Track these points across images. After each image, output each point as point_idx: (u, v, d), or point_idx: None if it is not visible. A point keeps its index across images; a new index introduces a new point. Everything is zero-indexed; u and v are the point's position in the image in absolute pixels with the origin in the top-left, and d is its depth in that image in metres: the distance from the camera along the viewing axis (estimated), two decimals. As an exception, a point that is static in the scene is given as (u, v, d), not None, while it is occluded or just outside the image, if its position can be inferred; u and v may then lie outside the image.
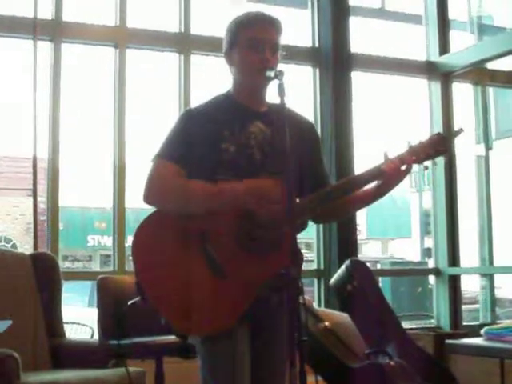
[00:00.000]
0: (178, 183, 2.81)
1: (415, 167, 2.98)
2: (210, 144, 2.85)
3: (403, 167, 2.90)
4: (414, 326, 7.38)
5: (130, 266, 5.66)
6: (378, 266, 13.61)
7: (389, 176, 2.89)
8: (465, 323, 7.03)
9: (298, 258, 2.65)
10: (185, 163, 2.83)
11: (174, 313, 2.72)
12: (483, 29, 8.14)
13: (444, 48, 7.09)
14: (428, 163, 3.01)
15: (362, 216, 16.78)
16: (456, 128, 3.11)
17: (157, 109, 12.40)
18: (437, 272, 7.01)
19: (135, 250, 2.79)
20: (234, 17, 2.99)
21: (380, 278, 7.51)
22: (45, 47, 5.62)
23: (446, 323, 6.81)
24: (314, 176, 3.06)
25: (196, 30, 6.16)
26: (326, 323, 4.75)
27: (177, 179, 2.81)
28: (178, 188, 2.81)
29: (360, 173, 2.97)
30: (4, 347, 3.65)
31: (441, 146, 2.96)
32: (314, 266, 6.38)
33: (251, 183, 2.76)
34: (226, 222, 2.76)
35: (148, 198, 2.84)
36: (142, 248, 2.79)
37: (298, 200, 2.83)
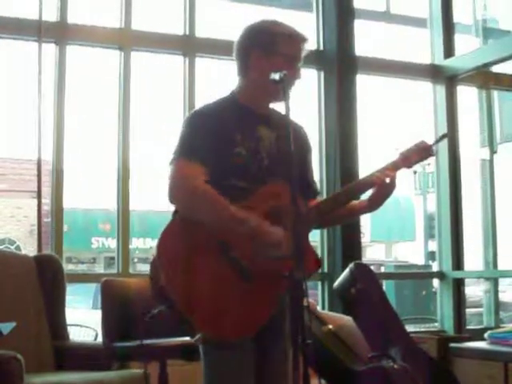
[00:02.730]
0: (205, 193, 2.78)
1: (409, 172, 3.08)
2: (223, 147, 2.85)
3: (395, 174, 2.98)
4: (417, 330, 7.38)
5: (134, 268, 5.67)
6: (382, 269, 13.57)
7: (379, 186, 2.95)
8: (469, 327, 7.02)
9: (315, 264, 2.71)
10: (206, 162, 2.81)
11: (206, 319, 2.70)
12: (488, 32, 8.13)
13: (449, 51, 7.08)
14: (418, 167, 3.13)
15: (366, 219, 16.75)
16: (441, 134, 3.27)
17: (161, 111, 12.43)
18: (441, 275, 7.01)
19: (160, 260, 2.76)
20: (271, 22, 2.98)
21: (384, 282, 7.52)
22: (50, 49, 5.62)
23: (449, 327, 6.81)
24: (307, 184, 3.10)
25: (201, 32, 6.16)
26: (330, 326, 4.75)
27: (204, 186, 2.78)
28: (204, 198, 2.78)
29: (360, 179, 3.06)
30: (8, 349, 3.65)
31: (426, 151, 3.08)
32: (318, 269, 6.37)
33: (262, 225, 2.73)
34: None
35: (173, 199, 2.82)
36: (166, 254, 2.76)
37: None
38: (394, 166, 2.98)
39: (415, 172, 3.23)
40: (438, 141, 3.30)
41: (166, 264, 2.75)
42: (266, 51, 2.92)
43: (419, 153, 3.04)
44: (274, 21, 3.00)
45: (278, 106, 2.93)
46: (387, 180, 2.94)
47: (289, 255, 2.56)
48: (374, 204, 3.01)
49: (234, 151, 2.86)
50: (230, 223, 2.73)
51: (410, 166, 3.04)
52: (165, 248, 2.77)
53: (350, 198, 3.01)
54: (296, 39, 2.95)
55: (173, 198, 2.82)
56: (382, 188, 2.96)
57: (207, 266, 2.73)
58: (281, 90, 2.77)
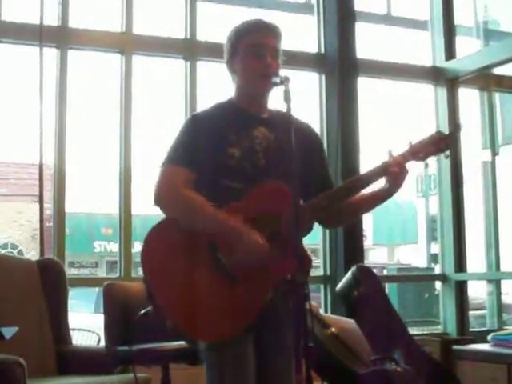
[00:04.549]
0: (187, 196, 2.80)
1: (420, 169, 3.03)
2: (216, 148, 2.86)
3: (405, 164, 2.94)
4: (420, 332, 7.37)
5: (136, 272, 5.66)
6: (385, 272, 13.55)
7: (394, 173, 2.92)
8: (472, 329, 7.01)
9: (305, 263, 2.68)
10: (194, 167, 2.83)
11: (186, 320, 2.70)
12: (489, 34, 8.12)
13: (450, 53, 7.08)
14: (429, 160, 3.05)
15: (368, 222, 16.74)
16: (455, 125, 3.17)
17: (163, 115, 12.41)
18: (443, 278, 7.00)
19: (144, 258, 2.78)
20: (233, 27, 3.03)
21: (386, 284, 7.50)
22: (51, 54, 5.62)
23: (452, 329, 6.79)
24: (321, 179, 3.08)
25: (202, 36, 6.16)
26: (333, 329, 4.75)
27: (186, 191, 2.81)
28: (186, 202, 2.81)
29: (365, 171, 2.99)
30: (10, 353, 3.65)
31: (441, 143, 3.03)
32: (320, 272, 6.37)
33: (244, 231, 2.74)
34: None
35: (157, 203, 2.84)
36: (151, 256, 2.78)
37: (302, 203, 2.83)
38: (403, 158, 2.94)
39: (426, 165, 3.12)
40: (453, 132, 3.22)
41: (150, 265, 2.78)
42: (235, 52, 2.98)
43: (435, 144, 3.00)
44: (241, 22, 3.03)
45: (280, 108, 2.93)
46: (392, 166, 2.91)
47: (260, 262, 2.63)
48: (388, 190, 2.96)
49: (227, 152, 2.87)
50: (209, 224, 2.76)
51: (421, 159, 2.99)
52: (148, 250, 2.79)
53: (352, 192, 2.96)
54: (255, 29, 2.97)
55: (157, 201, 2.85)
56: (396, 175, 2.92)
57: (192, 267, 2.73)
58: (267, 87, 2.87)
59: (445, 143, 3.03)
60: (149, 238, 2.80)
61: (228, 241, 2.74)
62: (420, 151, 2.98)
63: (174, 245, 2.78)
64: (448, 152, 3.06)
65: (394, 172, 2.91)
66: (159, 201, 2.85)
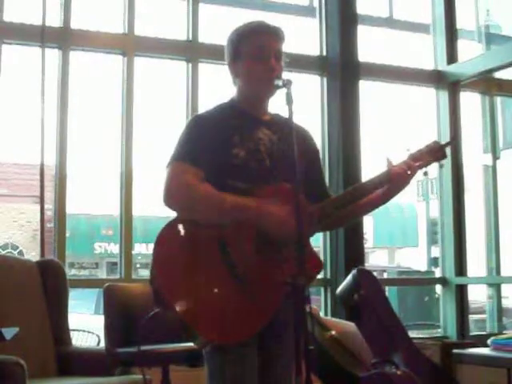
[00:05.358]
0: (201, 189, 2.77)
1: (419, 174, 3.07)
2: (220, 149, 2.85)
3: (408, 172, 2.98)
4: (420, 336, 7.36)
5: (136, 273, 5.67)
6: (385, 275, 13.55)
7: (396, 180, 2.97)
8: (472, 333, 7.01)
9: (314, 264, 2.73)
10: (200, 165, 2.81)
11: (197, 321, 2.67)
12: (491, 38, 8.14)
13: (452, 57, 7.09)
14: (428, 169, 3.10)
15: (368, 225, 16.74)
16: (449, 138, 3.26)
17: (164, 117, 12.42)
18: (444, 281, 7.00)
19: (156, 259, 2.73)
20: (235, 28, 3.01)
21: (387, 287, 7.50)
22: (53, 55, 5.63)
23: (452, 333, 6.80)
24: (318, 188, 3.08)
25: (204, 38, 6.16)
26: (333, 332, 4.75)
27: (199, 183, 2.78)
28: (200, 194, 2.77)
29: (368, 179, 3.01)
30: (11, 354, 3.65)
31: (438, 153, 3.09)
32: (320, 275, 6.36)
33: (264, 207, 2.74)
34: (244, 231, 2.75)
35: (169, 201, 2.79)
36: (163, 257, 2.73)
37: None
38: (405, 165, 2.99)
39: (425, 173, 3.19)
40: (450, 142, 3.29)
41: (162, 267, 2.73)
42: (237, 55, 2.96)
43: (432, 154, 3.06)
44: (243, 23, 3.01)
45: (281, 111, 2.94)
46: (394, 174, 2.94)
47: (293, 237, 2.57)
48: (389, 195, 3.01)
49: (232, 152, 2.85)
50: (231, 212, 2.74)
51: (421, 167, 3.04)
52: (162, 251, 2.74)
53: (357, 198, 2.98)
54: (258, 31, 2.95)
55: (169, 199, 2.79)
56: (397, 180, 2.97)
57: (206, 270, 2.70)
58: (270, 90, 2.86)
59: (441, 153, 3.10)
60: (160, 238, 2.75)
61: (250, 229, 2.74)
62: (419, 159, 3.04)
63: (186, 245, 2.75)
64: (443, 161, 3.12)
65: (396, 179, 2.96)
66: (171, 198, 2.79)
